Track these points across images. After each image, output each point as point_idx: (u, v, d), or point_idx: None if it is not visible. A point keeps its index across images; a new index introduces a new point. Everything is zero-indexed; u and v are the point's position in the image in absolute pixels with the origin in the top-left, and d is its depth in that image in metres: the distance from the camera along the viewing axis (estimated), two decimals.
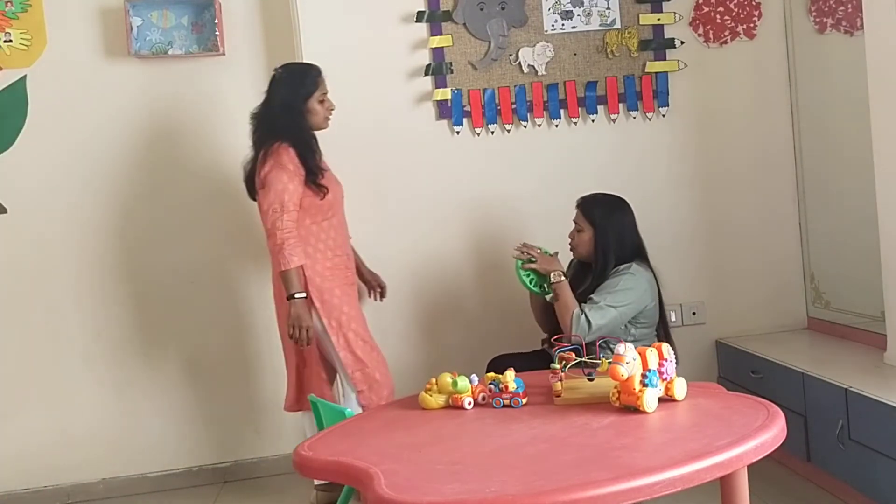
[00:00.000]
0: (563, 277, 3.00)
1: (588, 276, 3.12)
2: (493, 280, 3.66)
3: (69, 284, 3.69)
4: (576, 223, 3.14)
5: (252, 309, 3.80)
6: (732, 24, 3.75)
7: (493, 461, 1.90)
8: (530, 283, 3.08)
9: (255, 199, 3.15)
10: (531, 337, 3.33)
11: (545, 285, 3.08)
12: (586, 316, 2.89)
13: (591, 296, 2.96)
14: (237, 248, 3.78)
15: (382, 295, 3.46)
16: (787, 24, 3.75)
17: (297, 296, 2.95)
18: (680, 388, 2.20)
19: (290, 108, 3.05)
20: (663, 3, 3.70)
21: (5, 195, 3.64)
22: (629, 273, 2.99)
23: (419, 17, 3.58)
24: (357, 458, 1.98)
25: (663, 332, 3.12)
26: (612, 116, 3.70)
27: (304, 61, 3.27)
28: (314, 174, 3.02)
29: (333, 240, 3.10)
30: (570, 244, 3.17)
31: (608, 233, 3.06)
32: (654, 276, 3.09)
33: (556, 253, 3.12)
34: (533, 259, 3.06)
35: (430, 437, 2.16)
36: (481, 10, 3.60)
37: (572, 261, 3.26)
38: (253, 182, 3.11)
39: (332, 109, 3.16)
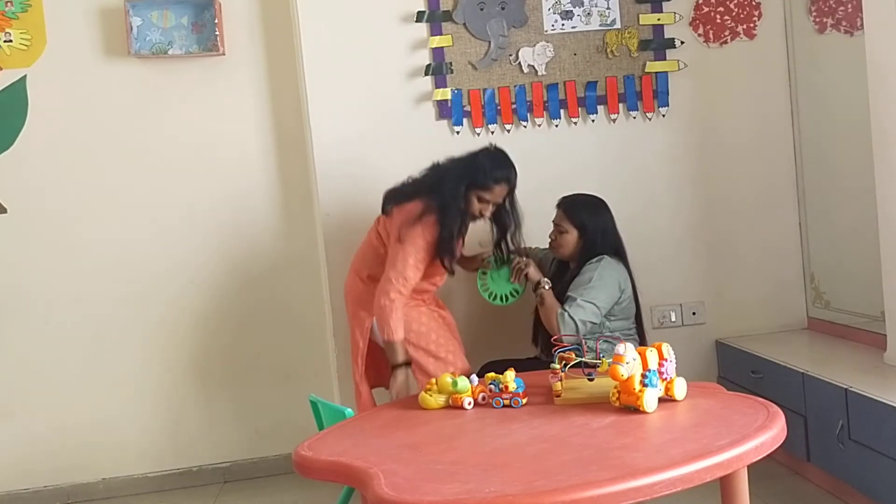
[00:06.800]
0: (549, 284, 3.06)
1: (566, 272, 3.17)
2: None
3: (69, 284, 3.69)
4: (558, 224, 3.17)
5: (252, 308, 3.80)
6: (732, 24, 3.75)
7: (493, 461, 1.89)
8: (490, 297, 3.21)
9: (385, 211, 3.10)
10: (525, 342, 3.32)
11: (506, 295, 3.18)
12: (569, 315, 2.93)
13: (569, 293, 3.00)
14: (238, 247, 3.78)
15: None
16: (787, 24, 3.75)
17: (403, 365, 2.92)
18: (680, 388, 2.20)
19: (461, 183, 2.97)
20: (663, 3, 3.70)
21: (5, 195, 3.64)
22: (599, 266, 3.03)
23: (419, 17, 3.58)
24: (357, 458, 1.97)
25: (638, 327, 3.18)
26: (612, 116, 3.70)
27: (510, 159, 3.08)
28: (445, 258, 3.00)
29: (426, 291, 3.12)
30: (551, 244, 3.21)
31: (595, 234, 3.11)
32: (628, 270, 3.13)
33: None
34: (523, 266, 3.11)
35: (430, 437, 2.15)
36: (481, 10, 3.60)
37: (553, 258, 3.29)
38: (396, 197, 3.05)
39: (484, 216, 3.05)
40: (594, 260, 3.05)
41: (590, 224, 3.11)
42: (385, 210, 3.11)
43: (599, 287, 2.98)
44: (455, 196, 2.96)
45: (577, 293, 2.97)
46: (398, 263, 2.92)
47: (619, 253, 3.14)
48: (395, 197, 3.08)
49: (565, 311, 2.94)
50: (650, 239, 3.73)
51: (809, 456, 3.08)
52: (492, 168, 2.99)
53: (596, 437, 2.00)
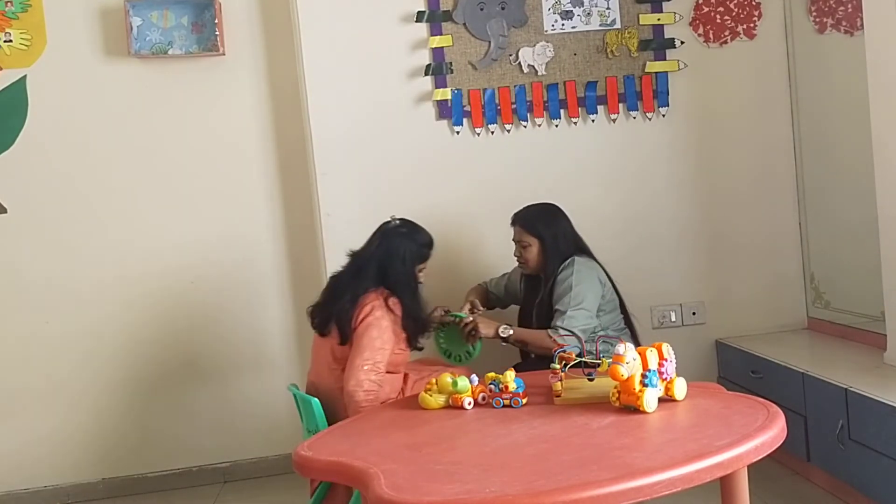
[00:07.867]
0: (510, 327, 3.02)
1: (539, 285, 3.16)
2: None
3: (69, 284, 3.69)
4: (519, 241, 3.16)
5: (252, 308, 3.80)
6: (732, 24, 3.75)
7: (493, 461, 1.90)
8: (447, 356, 3.23)
9: (344, 343, 2.85)
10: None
11: (460, 354, 3.20)
12: (564, 329, 2.90)
13: (556, 307, 2.97)
14: (237, 248, 3.78)
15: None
16: (787, 24, 3.75)
17: None
18: (680, 388, 2.20)
19: (406, 263, 2.93)
20: (663, 3, 3.71)
21: (5, 195, 3.64)
22: (573, 268, 3.02)
23: (419, 17, 3.59)
24: (357, 458, 1.98)
25: (625, 317, 3.17)
26: (612, 116, 3.70)
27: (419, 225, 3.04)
28: (415, 337, 2.93)
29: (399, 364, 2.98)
30: (518, 261, 3.20)
31: (556, 239, 3.10)
32: (599, 264, 3.12)
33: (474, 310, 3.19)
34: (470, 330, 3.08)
35: (430, 437, 2.15)
36: (481, 10, 3.60)
37: (521, 276, 3.29)
38: (348, 322, 2.83)
39: (422, 282, 3.02)
40: (565, 265, 3.04)
41: (547, 232, 3.11)
42: (324, 333, 2.91)
43: (582, 289, 2.97)
44: (411, 278, 2.93)
45: (564, 305, 2.95)
46: (371, 345, 2.77)
47: (584, 251, 3.14)
48: (344, 317, 2.88)
49: (557, 327, 2.91)
50: (650, 239, 3.74)
51: (809, 456, 3.08)
52: (422, 238, 3.00)
53: (596, 437, 2.00)
